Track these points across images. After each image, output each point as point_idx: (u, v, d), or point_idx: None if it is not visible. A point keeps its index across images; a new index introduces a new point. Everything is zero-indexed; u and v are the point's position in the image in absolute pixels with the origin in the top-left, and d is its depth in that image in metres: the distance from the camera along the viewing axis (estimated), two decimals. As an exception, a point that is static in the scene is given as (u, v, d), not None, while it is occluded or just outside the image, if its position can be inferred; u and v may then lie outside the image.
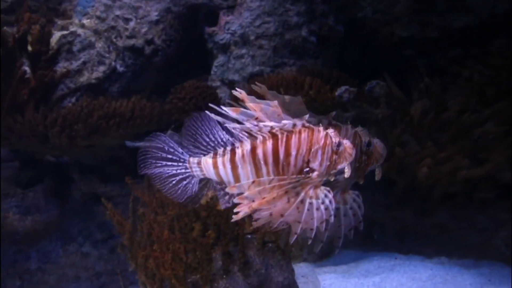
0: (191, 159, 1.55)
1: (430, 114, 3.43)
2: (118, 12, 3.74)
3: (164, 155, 1.58)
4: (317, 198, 1.40)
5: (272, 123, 1.37)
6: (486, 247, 3.45)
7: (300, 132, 1.41)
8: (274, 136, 1.41)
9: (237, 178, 1.47)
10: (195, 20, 4.00)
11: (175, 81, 3.83)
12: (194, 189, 1.58)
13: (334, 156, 1.43)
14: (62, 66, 3.59)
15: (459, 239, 3.54)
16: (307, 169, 1.41)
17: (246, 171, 1.43)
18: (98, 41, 3.74)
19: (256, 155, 1.42)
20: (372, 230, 3.72)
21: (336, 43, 4.20)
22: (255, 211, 1.36)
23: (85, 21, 3.77)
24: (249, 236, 2.42)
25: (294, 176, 1.39)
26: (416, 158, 3.24)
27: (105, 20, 3.74)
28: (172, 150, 1.58)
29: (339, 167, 1.45)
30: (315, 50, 3.95)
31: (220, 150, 1.48)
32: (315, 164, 1.41)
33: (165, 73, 4.04)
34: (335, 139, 1.43)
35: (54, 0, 3.88)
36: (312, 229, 1.40)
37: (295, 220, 1.38)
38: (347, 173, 1.45)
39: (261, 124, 1.37)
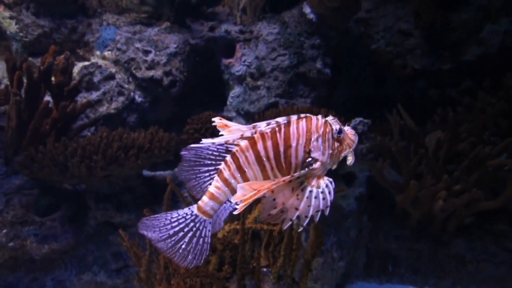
0: (200, 202, 1.43)
1: (445, 146, 3.44)
2: (138, 45, 3.85)
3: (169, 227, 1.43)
4: (318, 187, 1.36)
5: (266, 123, 1.34)
6: (503, 280, 3.40)
7: (298, 122, 1.36)
8: (272, 130, 1.36)
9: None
10: (212, 51, 4.10)
11: (192, 110, 3.90)
12: (208, 239, 1.44)
13: (336, 144, 1.39)
14: (82, 96, 3.68)
15: (476, 271, 3.49)
16: (310, 159, 1.37)
17: (253, 172, 1.38)
18: (118, 72, 3.84)
19: (258, 152, 1.36)
20: (387, 262, 3.68)
21: (350, 75, 4.26)
22: (256, 196, 1.29)
23: (106, 53, 3.89)
24: (265, 270, 2.42)
25: (297, 173, 1.34)
26: (431, 190, 3.23)
27: (126, 52, 3.85)
28: (175, 217, 1.45)
29: (343, 154, 1.41)
30: (329, 82, 4.00)
31: (222, 165, 1.41)
32: (317, 154, 1.36)
33: (182, 103, 4.12)
34: (335, 126, 1.38)
35: (77, 32, 4.01)
36: (307, 217, 1.34)
37: (293, 207, 1.35)
38: (351, 161, 1.42)
39: (255, 125, 1.35)
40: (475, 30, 4.32)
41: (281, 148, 1.36)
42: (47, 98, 3.33)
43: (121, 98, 3.76)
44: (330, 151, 1.38)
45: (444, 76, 4.36)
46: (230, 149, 1.40)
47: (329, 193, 1.35)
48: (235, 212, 1.34)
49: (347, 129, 1.42)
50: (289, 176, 1.33)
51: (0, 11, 3.91)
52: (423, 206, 3.33)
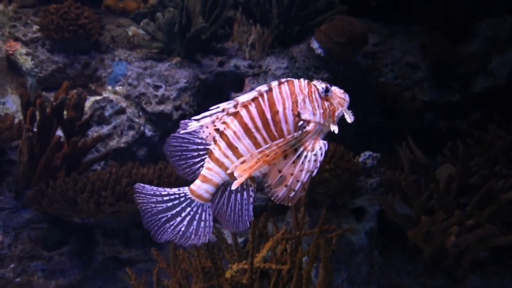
0: (192, 185, 1.39)
1: (456, 180, 3.39)
2: (149, 80, 3.93)
3: (161, 205, 1.39)
4: (313, 150, 1.32)
5: (247, 94, 1.32)
6: (522, 318, 3.28)
7: (280, 87, 1.33)
8: (254, 99, 1.32)
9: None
10: (221, 86, 4.16)
11: (200, 144, 3.92)
12: (209, 223, 1.39)
13: (326, 103, 1.35)
14: (94, 130, 3.74)
15: (493, 309, 3.38)
16: (301, 122, 1.33)
17: (245, 147, 1.33)
18: (129, 107, 3.91)
19: (245, 124, 1.32)
20: (399, 299, 3.58)
21: (358, 108, 4.28)
22: (254, 169, 1.28)
23: (118, 88, 3.97)
24: (274, 310, 2.36)
25: (291, 135, 1.30)
26: (443, 225, 3.17)
27: (136, 87, 3.93)
28: (165, 192, 1.42)
29: (337, 113, 1.38)
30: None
31: (212, 145, 1.36)
32: (307, 115, 1.32)
33: (191, 137, 4.14)
34: (321, 86, 1.36)
35: (90, 67, 4.12)
36: (298, 181, 1.30)
37: (290, 173, 1.31)
38: (349, 118, 1.38)
39: (237, 99, 1.32)
40: (483, 62, 4.34)
41: (268, 115, 1.32)
42: (59, 132, 3.39)
43: (131, 132, 3.81)
44: (322, 111, 1.34)
45: (453, 108, 4.36)
46: (218, 128, 1.36)
47: (321, 154, 1.32)
48: (233, 187, 1.30)
49: (334, 88, 1.40)
50: (282, 140, 1.29)
51: (17, 48, 4.05)
52: (435, 241, 3.26)
